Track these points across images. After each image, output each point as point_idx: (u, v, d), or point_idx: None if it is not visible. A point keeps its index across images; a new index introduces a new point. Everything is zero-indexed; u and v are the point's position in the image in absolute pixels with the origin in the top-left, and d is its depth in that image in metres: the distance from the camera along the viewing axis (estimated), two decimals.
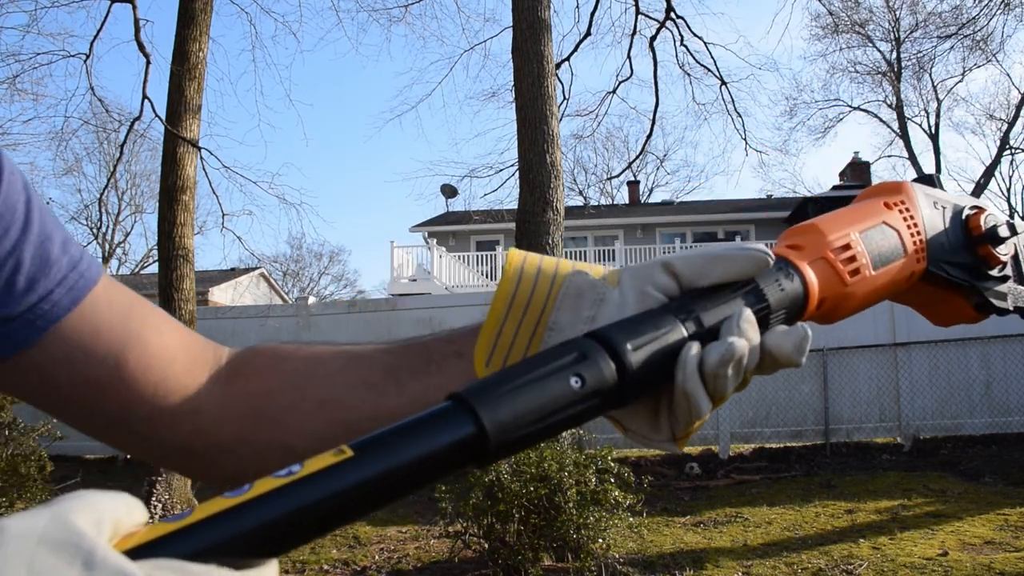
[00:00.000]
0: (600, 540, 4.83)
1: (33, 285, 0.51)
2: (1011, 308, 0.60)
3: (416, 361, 0.56)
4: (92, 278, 0.54)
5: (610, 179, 32.01)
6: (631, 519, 5.05)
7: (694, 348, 0.45)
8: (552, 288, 0.50)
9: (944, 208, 0.59)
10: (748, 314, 0.47)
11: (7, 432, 5.74)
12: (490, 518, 4.84)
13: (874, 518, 6.26)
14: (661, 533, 6.08)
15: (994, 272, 0.59)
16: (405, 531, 6.60)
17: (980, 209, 0.60)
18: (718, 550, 5.54)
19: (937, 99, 27.58)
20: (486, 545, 5.05)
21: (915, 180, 0.60)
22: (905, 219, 0.56)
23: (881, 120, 28.58)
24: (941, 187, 0.61)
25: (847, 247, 0.53)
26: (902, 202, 0.57)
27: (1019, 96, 26.71)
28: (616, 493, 4.88)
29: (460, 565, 5.40)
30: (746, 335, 0.46)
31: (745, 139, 13.24)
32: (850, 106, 28.32)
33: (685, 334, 0.46)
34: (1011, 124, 26.85)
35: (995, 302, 0.59)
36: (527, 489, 4.74)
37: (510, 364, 0.49)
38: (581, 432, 6.45)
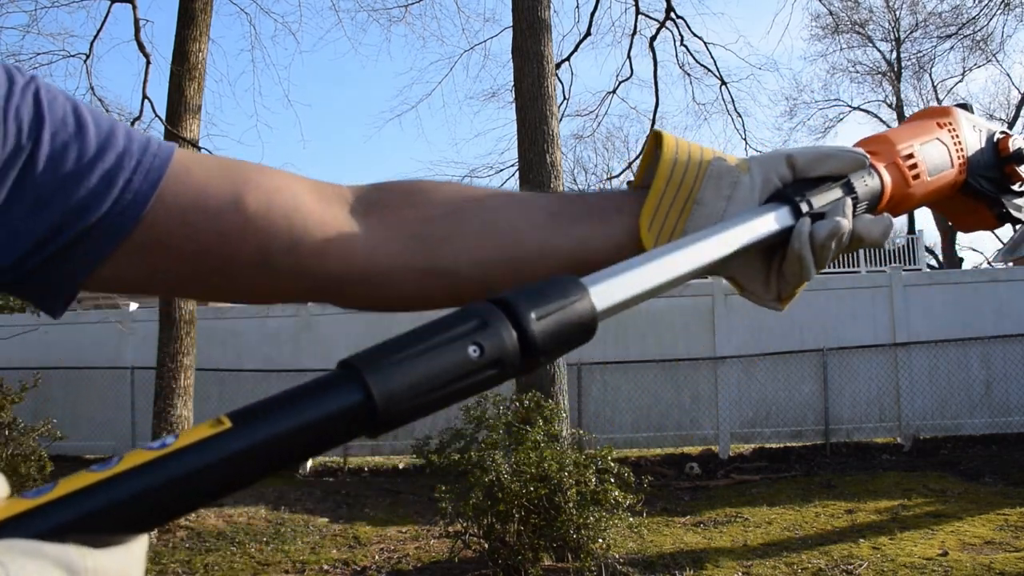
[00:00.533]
0: (600, 540, 4.83)
1: (113, 179, 0.52)
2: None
3: (577, 209, 0.62)
4: (165, 155, 0.55)
5: (610, 179, 31.97)
6: (631, 519, 5.05)
7: (807, 223, 0.57)
8: (700, 170, 0.60)
9: (980, 131, 0.70)
10: (849, 201, 0.59)
11: (7, 432, 5.74)
12: (490, 518, 4.84)
13: (874, 518, 6.26)
14: (661, 533, 6.08)
15: (1015, 187, 0.71)
16: (405, 531, 6.60)
17: (1007, 134, 0.71)
18: (718, 550, 5.54)
19: (937, 99, 27.58)
20: (486, 545, 5.05)
21: (957, 105, 0.71)
22: (953, 137, 0.68)
23: (881, 120, 28.58)
24: (974, 114, 0.73)
25: (911, 156, 0.65)
26: (950, 123, 0.69)
27: (1019, 96, 26.74)
28: (616, 493, 4.88)
29: (460, 565, 5.40)
30: (848, 217, 0.58)
31: (745, 139, 13.24)
32: (850, 106, 28.33)
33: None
34: (1011, 124, 26.86)
35: (1014, 212, 0.71)
36: (527, 489, 4.74)
37: (665, 229, 0.59)
38: (581, 432, 6.45)
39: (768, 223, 0.57)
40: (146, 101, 8.07)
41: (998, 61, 32.60)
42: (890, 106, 27.70)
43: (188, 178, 0.55)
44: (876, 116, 28.54)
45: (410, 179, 0.63)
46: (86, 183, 0.51)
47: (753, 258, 0.60)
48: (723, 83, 12.67)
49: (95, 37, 8.79)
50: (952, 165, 0.67)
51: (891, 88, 27.19)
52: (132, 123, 8.61)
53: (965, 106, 0.72)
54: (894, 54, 26.63)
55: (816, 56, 43.95)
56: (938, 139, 0.67)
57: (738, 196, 0.59)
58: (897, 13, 26.01)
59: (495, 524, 4.85)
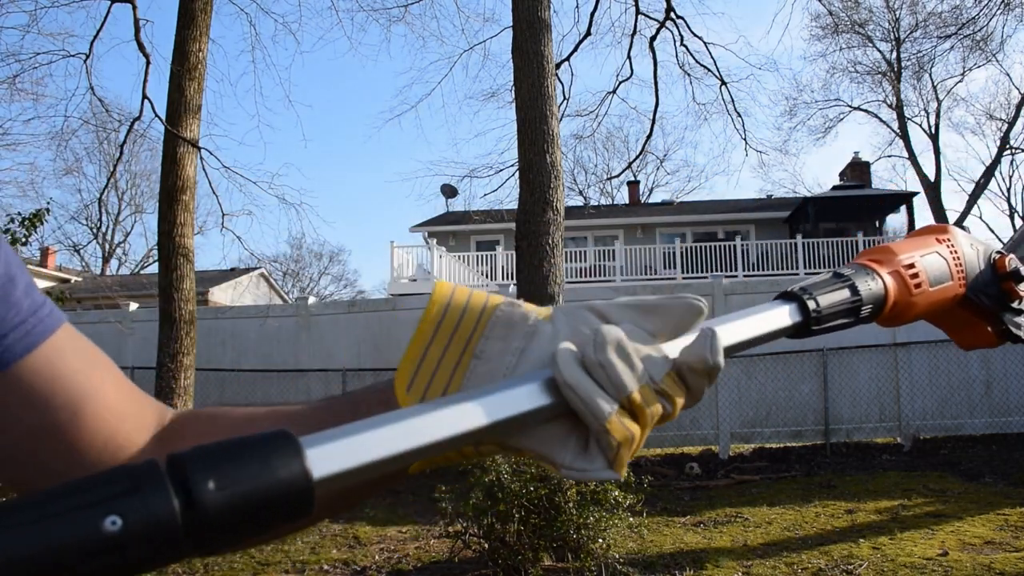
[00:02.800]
0: (600, 540, 4.83)
1: None
2: None
3: (343, 413, 0.51)
4: (52, 325, 0.54)
5: (610, 179, 32.02)
6: (631, 519, 5.05)
7: (565, 345, 0.46)
8: (482, 316, 0.49)
9: (977, 250, 0.72)
10: (630, 326, 0.49)
11: None
12: (490, 518, 4.84)
13: (874, 518, 6.26)
14: (661, 533, 6.08)
15: (1014, 305, 0.72)
16: (405, 531, 6.60)
17: (1003, 254, 0.73)
18: (718, 550, 5.54)
19: (937, 99, 27.61)
20: (486, 545, 5.05)
21: (955, 225, 0.75)
22: (951, 251, 0.70)
23: (881, 120, 28.61)
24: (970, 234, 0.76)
25: (912, 265, 0.65)
26: (948, 239, 0.70)
27: (1019, 96, 26.74)
28: (616, 493, 4.88)
29: (460, 565, 5.40)
30: (628, 332, 0.47)
31: (745, 139, 13.23)
32: (850, 106, 28.34)
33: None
34: (1011, 124, 26.88)
35: (1014, 330, 0.72)
36: (527, 489, 4.74)
37: (431, 393, 0.48)
38: None
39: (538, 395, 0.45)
40: (146, 101, 8.06)
41: (998, 61, 32.62)
42: (890, 106, 27.72)
43: (56, 360, 0.53)
44: (876, 116, 28.57)
45: (215, 406, 0.61)
46: None
47: (558, 423, 0.47)
48: (723, 83, 12.67)
49: (95, 37, 8.79)
50: (952, 278, 0.69)
51: (891, 88, 27.20)
52: (132, 123, 8.61)
53: (962, 227, 0.76)
54: (894, 54, 26.65)
55: (816, 56, 43.98)
56: (937, 252, 0.69)
57: (534, 349, 0.48)
58: (897, 13, 26.03)
59: (495, 524, 4.85)
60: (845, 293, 0.59)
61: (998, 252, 0.73)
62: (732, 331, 0.53)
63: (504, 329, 0.49)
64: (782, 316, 0.56)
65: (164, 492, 0.32)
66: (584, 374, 0.45)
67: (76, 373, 0.54)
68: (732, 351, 0.52)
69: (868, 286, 0.61)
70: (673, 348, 0.49)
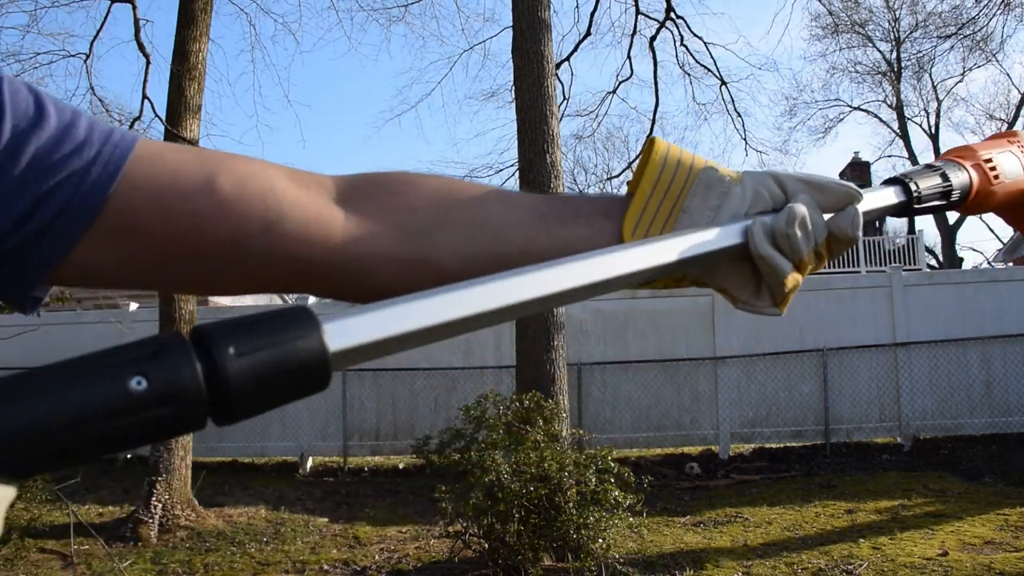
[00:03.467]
0: (600, 540, 4.83)
1: (72, 165, 0.51)
2: None
3: (564, 211, 0.61)
4: (128, 145, 0.54)
5: (610, 179, 31.99)
6: (631, 519, 5.05)
7: (759, 221, 0.56)
8: (689, 177, 0.59)
9: None
10: (807, 198, 0.58)
11: None
12: (490, 518, 4.84)
13: (874, 518, 6.26)
14: (661, 533, 6.08)
15: None
16: (405, 531, 6.60)
17: None
18: (718, 550, 5.54)
19: (937, 99, 27.59)
20: (486, 545, 5.05)
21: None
22: (1022, 151, 0.77)
23: (881, 120, 28.58)
24: None
25: (991, 160, 0.74)
26: (1019, 141, 0.79)
27: (1019, 96, 26.73)
28: (616, 493, 4.88)
29: (460, 565, 5.40)
30: (807, 205, 0.57)
31: (745, 139, 13.28)
32: (850, 106, 28.31)
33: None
34: (1011, 124, 26.85)
35: None
36: (527, 489, 4.74)
37: (651, 234, 0.58)
38: (581, 432, 6.45)
39: (699, 242, 0.55)
40: (146, 101, 8.06)
41: (998, 61, 32.61)
42: (890, 106, 27.70)
43: (159, 161, 0.54)
44: (876, 116, 28.54)
45: (395, 171, 0.62)
46: (49, 170, 0.51)
47: (739, 267, 0.59)
48: (723, 83, 12.67)
49: (95, 37, 8.79)
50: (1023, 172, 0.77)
51: (891, 88, 27.18)
52: (132, 123, 8.61)
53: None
54: (894, 54, 26.63)
55: (816, 56, 43.97)
56: (1010, 152, 0.77)
57: (727, 207, 0.58)
58: (897, 13, 26.02)
59: (495, 524, 4.85)
60: (938, 179, 0.67)
61: None
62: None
63: (705, 188, 0.59)
64: (889, 195, 0.65)
65: (188, 356, 0.33)
66: (771, 246, 0.56)
67: (185, 161, 0.55)
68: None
69: (957, 175, 0.70)
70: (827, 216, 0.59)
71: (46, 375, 0.31)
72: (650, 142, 0.61)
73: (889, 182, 0.67)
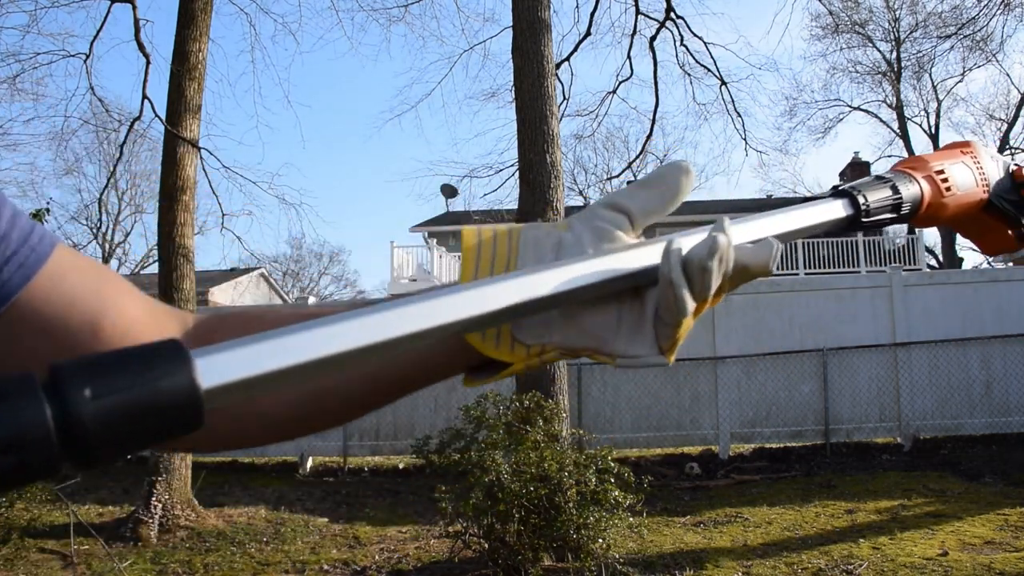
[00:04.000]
0: (600, 540, 4.83)
1: None
2: None
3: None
4: (45, 251, 0.53)
5: (610, 179, 31.98)
6: (631, 519, 5.05)
7: (680, 241, 0.48)
8: (511, 241, 0.52)
9: (997, 162, 0.80)
10: (728, 222, 0.50)
11: None
12: (490, 518, 4.84)
13: (874, 518, 6.26)
14: (661, 533, 6.08)
15: None
16: (405, 531, 6.60)
17: (1020, 166, 0.81)
18: (718, 550, 5.54)
19: (937, 99, 27.59)
20: (486, 545, 5.05)
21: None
22: (975, 162, 0.77)
23: (881, 120, 28.59)
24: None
25: (942, 172, 0.73)
26: (971, 152, 0.78)
27: (1019, 96, 26.73)
28: (616, 493, 4.88)
29: (460, 565, 5.40)
30: (727, 234, 0.48)
31: (745, 139, 13.26)
32: (850, 106, 28.32)
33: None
34: (1011, 124, 26.86)
35: None
36: (527, 489, 4.73)
37: None
38: (581, 432, 6.45)
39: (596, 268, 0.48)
40: (146, 101, 8.06)
41: (998, 61, 32.57)
42: (890, 106, 27.71)
43: (61, 285, 0.53)
44: (876, 116, 28.55)
45: (243, 307, 0.60)
46: None
47: (603, 311, 0.51)
48: (723, 83, 12.67)
49: (95, 37, 8.79)
50: (976, 184, 0.76)
51: (891, 88, 27.19)
52: (132, 123, 8.61)
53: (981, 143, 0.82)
54: (894, 54, 26.64)
55: (816, 56, 43.93)
56: (963, 163, 0.76)
57: (565, 253, 0.51)
58: (897, 13, 26.02)
59: (495, 524, 4.85)
60: (888, 191, 0.66)
61: (1015, 164, 0.82)
62: (790, 221, 0.57)
63: (533, 246, 0.52)
64: (836, 208, 0.62)
65: (35, 399, 0.30)
66: (684, 276, 0.47)
67: (85, 292, 0.54)
68: (788, 238, 0.57)
69: (907, 187, 0.69)
70: (738, 237, 0.52)
71: None
72: (462, 232, 0.54)
73: (837, 194, 0.64)
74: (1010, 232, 0.81)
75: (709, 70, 12.59)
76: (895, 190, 0.67)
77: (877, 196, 0.65)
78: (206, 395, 0.34)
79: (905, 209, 0.67)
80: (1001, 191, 0.78)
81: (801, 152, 47.65)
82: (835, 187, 0.65)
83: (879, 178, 0.67)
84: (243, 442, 0.60)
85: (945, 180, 0.73)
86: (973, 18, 20.16)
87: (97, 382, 0.32)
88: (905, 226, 23.55)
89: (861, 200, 0.63)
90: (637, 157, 16.53)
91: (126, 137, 9.11)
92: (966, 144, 0.80)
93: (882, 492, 7.16)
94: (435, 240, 21.39)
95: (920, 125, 28.39)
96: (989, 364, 9.35)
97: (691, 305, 0.48)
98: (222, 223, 9.18)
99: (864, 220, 0.63)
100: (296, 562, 5.80)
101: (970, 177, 0.75)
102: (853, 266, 19.82)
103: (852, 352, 9.47)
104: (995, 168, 0.79)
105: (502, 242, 0.52)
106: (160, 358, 0.33)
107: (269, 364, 0.37)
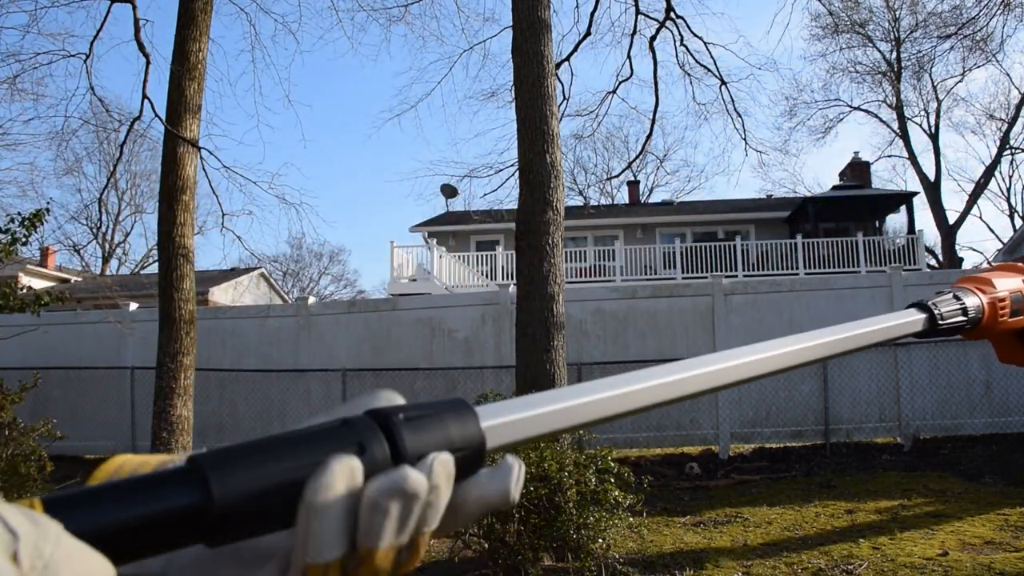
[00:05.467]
0: (600, 540, 4.83)
1: None
2: None
3: None
4: None
5: (610, 179, 32.00)
6: (631, 519, 5.05)
7: (352, 461, 0.33)
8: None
9: None
10: (446, 456, 0.35)
11: (7, 432, 5.74)
12: (490, 518, 4.84)
13: (874, 518, 6.26)
14: (661, 533, 6.08)
15: None
16: None
17: None
18: (718, 550, 5.54)
19: (937, 99, 27.60)
20: (486, 545, 5.05)
21: None
22: None
23: (881, 120, 28.60)
24: None
25: (1004, 299, 0.81)
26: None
27: (1019, 96, 26.73)
28: (616, 493, 4.88)
29: (460, 565, 5.40)
30: (435, 474, 0.34)
31: (745, 139, 13.22)
32: (850, 106, 28.33)
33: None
34: (1011, 124, 26.87)
35: None
36: (527, 489, 4.74)
37: None
38: (581, 432, 6.45)
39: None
40: (146, 101, 8.05)
41: (998, 61, 32.58)
42: (890, 106, 27.71)
43: None
44: (876, 116, 28.56)
45: None
46: None
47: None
48: (723, 83, 12.66)
49: (95, 37, 8.77)
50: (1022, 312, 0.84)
51: (891, 88, 27.20)
52: (132, 123, 8.61)
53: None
54: (894, 54, 26.64)
55: (816, 56, 43.93)
56: (1021, 290, 0.84)
57: None
58: (897, 13, 26.02)
59: (495, 524, 4.85)
60: (957, 306, 0.75)
61: None
62: (875, 334, 0.64)
63: None
64: (916, 321, 0.70)
65: (380, 442, 0.34)
66: (341, 510, 0.33)
67: None
68: (865, 347, 0.64)
69: (975, 306, 0.78)
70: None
71: (276, 448, 0.33)
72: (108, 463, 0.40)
73: (916, 306, 0.73)
74: None
75: (709, 70, 12.59)
76: (965, 312, 0.77)
77: (949, 308, 0.75)
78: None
79: (967, 327, 0.77)
80: None
81: (801, 152, 47.58)
82: (913, 303, 0.74)
83: (955, 296, 0.77)
84: None
85: (1004, 307, 0.81)
86: (973, 18, 20.15)
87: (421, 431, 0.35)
88: (905, 225, 23.59)
89: (936, 312, 0.73)
90: (637, 157, 16.51)
91: (126, 137, 9.10)
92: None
93: (882, 492, 7.16)
94: (435, 240, 21.39)
95: (920, 125, 28.41)
96: (989, 364, 9.35)
97: (335, 550, 0.33)
98: (222, 223, 9.15)
99: (939, 328, 0.73)
100: None
101: (1020, 306, 0.83)
102: (853, 266, 19.82)
103: (852, 352, 9.47)
104: None
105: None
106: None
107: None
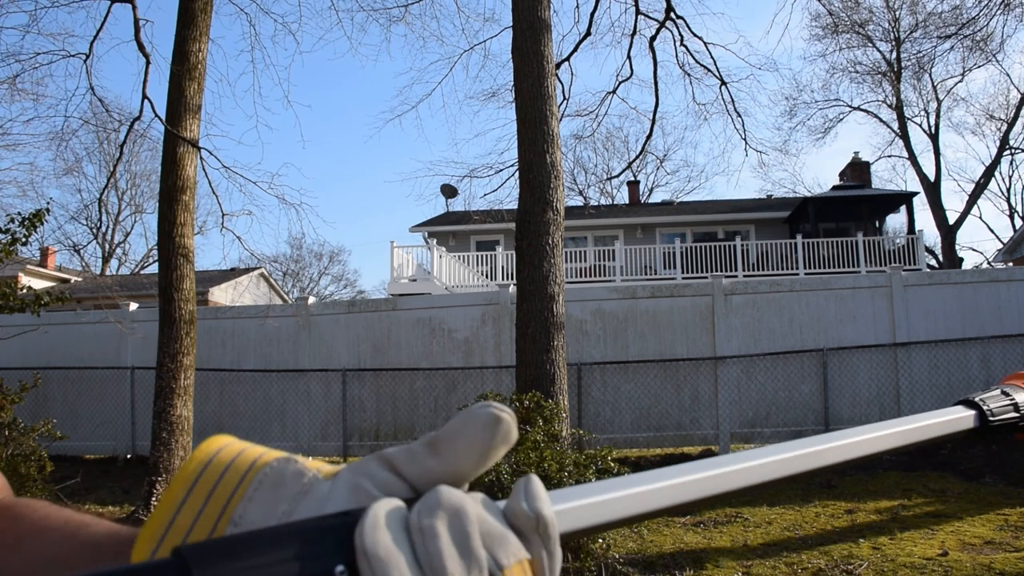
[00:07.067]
0: (600, 540, 4.83)
1: None
2: None
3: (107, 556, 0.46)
4: None
5: (610, 179, 32.04)
6: None
7: (393, 502, 0.35)
8: (248, 473, 0.39)
9: None
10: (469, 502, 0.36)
11: (7, 432, 5.74)
12: None
13: (874, 518, 6.26)
14: (661, 533, 6.08)
15: None
16: None
17: None
18: (718, 550, 5.54)
19: (937, 99, 27.60)
20: None
21: None
22: None
23: (881, 120, 28.60)
24: None
25: None
26: None
27: (1019, 96, 26.73)
28: None
29: None
30: (467, 499, 0.35)
31: (745, 139, 13.23)
32: (850, 106, 28.33)
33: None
34: (1011, 124, 26.87)
35: None
36: None
37: None
38: (581, 432, 6.45)
39: None
40: (146, 101, 8.06)
41: (998, 61, 32.63)
42: (890, 106, 27.71)
43: None
44: (876, 116, 28.56)
45: (25, 500, 0.57)
46: None
47: None
48: (723, 83, 12.67)
49: (95, 37, 8.78)
50: None
51: (891, 88, 27.19)
52: (132, 123, 8.61)
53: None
54: (894, 54, 26.64)
55: (816, 56, 43.98)
56: None
57: (301, 511, 0.38)
58: (897, 13, 26.03)
59: None
60: (1007, 402, 0.77)
61: None
62: (925, 430, 0.66)
63: (271, 490, 0.39)
64: (967, 418, 0.72)
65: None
66: (394, 544, 0.33)
67: None
68: (918, 444, 0.65)
69: (1020, 396, 0.80)
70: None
71: (267, 544, 0.32)
72: (207, 443, 0.43)
73: (965, 404, 0.75)
74: None
75: (709, 70, 12.59)
76: (1016, 407, 0.78)
77: (998, 404, 0.77)
78: None
79: (1019, 423, 0.79)
80: None
81: (801, 152, 47.59)
82: (960, 400, 0.76)
83: (1004, 392, 0.79)
84: None
85: None
86: (973, 18, 20.16)
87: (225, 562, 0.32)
88: (905, 226, 23.59)
89: (986, 409, 0.74)
90: (637, 157, 16.53)
91: (126, 137, 9.10)
92: None
93: (882, 492, 7.16)
94: (435, 240, 21.40)
95: (920, 125, 28.42)
96: (989, 364, 9.36)
97: None
98: (222, 223, 9.16)
99: (990, 425, 0.75)
100: None
101: None
102: (853, 266, 19.82)
103: (852, 352, 9.47)
104: None
105: (235, 471, 0.39)
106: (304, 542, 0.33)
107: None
